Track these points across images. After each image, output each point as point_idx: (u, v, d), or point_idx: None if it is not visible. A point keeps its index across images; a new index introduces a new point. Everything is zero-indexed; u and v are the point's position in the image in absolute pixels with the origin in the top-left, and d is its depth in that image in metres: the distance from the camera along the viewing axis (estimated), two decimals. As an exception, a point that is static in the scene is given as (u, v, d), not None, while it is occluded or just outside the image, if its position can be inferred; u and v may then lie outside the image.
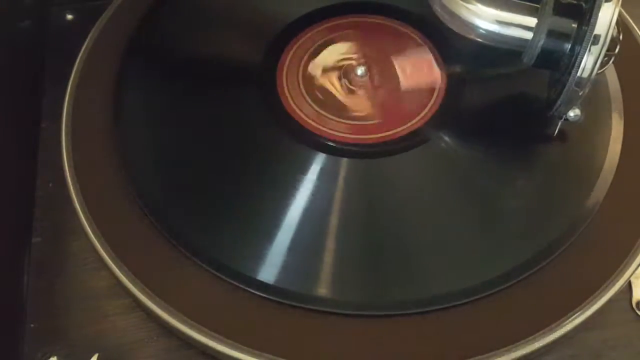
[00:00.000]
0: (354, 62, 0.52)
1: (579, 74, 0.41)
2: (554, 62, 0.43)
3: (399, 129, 0.49)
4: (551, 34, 0.43)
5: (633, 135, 0.49)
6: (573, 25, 0.42)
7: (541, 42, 0.43)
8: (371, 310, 0.42)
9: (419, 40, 0.54)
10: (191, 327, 0.41)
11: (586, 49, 0.40)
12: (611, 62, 0.42)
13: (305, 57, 0.53)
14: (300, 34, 0.54)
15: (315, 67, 0.52)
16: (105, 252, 0.44)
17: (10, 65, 0.53)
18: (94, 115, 0.50)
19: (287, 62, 0.53)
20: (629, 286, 0.45)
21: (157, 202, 0.46)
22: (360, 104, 0.51)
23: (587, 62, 0.41)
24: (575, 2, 0.43)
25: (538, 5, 0.43)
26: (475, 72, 0.51)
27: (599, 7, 0.40)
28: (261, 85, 0.51)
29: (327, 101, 0.50)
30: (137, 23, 0.55)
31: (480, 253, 0.44)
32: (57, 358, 0.43)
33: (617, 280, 0.42)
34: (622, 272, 0.43)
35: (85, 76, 0.53)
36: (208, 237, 0.44)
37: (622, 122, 0.49)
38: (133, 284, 0.43)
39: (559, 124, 0.47)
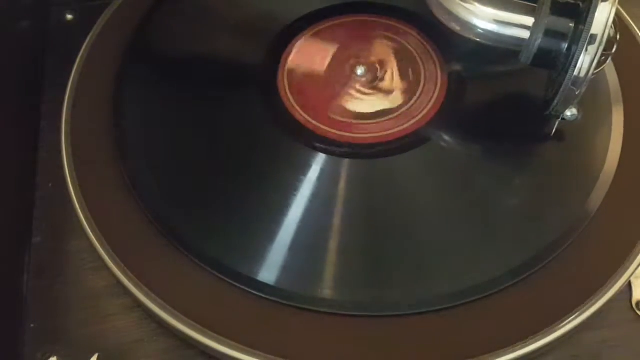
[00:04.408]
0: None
1: (575, 73, 0.41)
2: (551, 61, 0.43)
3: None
4: (548, 33, 0.42)
5: (633, 135, 0.48)
6: (570, 24, 0.42)
7: (538, 42, 0.43)
8: (371, 311, 0.42)
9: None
10: (191, 327, 0.41)
11: (583, 49, 0.40)
12: (608, 61, 0.42)
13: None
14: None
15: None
16: (105, 252, 0.44)
17: (10, 65, 0.53)
18: (94, 115, 0.51)
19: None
20: (629, 286, 0.45)
21: (157, 202, 0.46)
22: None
23: (584, 62, 0.41)
24: (572, 1, 0.43)
25: (535, 5, 0.43)
26: (474, 71, 0.51)
27: (596, 7, 0.40)
28: (261, 86, 0.51)
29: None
30: (137, 23, 0.55)
31: (480, 253, 0.44)
32: (57, 358, 0.43)
33: (617, 280, 0.42)
34: (622, 272, 0.43)
35: (85, 76, 0.53)
36: (208, 238, 0.44)
37: (623, 122, 0.49)
38: (133, 284, 0.43)
39: (556, 123, 0.47)
